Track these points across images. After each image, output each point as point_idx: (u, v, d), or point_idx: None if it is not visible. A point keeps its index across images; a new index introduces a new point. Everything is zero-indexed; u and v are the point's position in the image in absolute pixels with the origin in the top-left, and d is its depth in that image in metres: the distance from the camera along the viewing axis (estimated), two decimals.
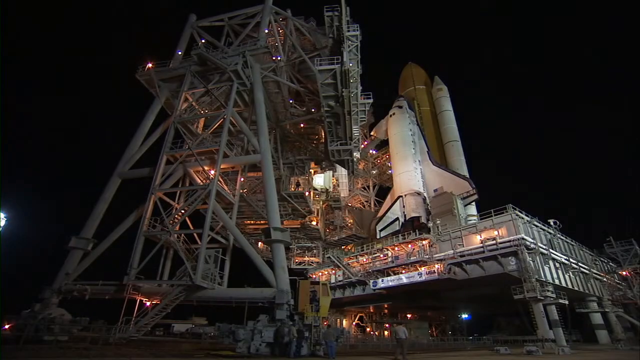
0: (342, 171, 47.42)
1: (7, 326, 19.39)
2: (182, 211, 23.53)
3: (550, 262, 26.24)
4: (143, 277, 21.62)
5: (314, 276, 39.27)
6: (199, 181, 24.90)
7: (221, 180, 24.89)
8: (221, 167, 23.68)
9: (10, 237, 26.97)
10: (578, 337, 36.04)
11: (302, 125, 36.62)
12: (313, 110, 33.70)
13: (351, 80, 25.75)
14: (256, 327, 16.85)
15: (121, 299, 21.35)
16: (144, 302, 22.64)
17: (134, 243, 21.97)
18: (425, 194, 37.38)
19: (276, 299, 18.18)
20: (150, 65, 29.43)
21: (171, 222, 22.59)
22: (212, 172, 23.65)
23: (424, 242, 30.72)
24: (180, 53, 31.43)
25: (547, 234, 28.31)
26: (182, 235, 23.93)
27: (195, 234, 24.28)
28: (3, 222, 20.53)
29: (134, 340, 19.24)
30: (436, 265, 28.46)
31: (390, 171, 46.12)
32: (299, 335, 16.03)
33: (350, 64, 25.42)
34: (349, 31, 26.03)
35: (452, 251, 28.28)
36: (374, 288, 32.45)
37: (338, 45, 27.32)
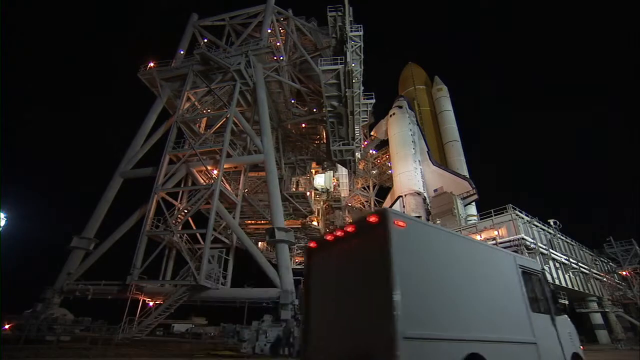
0: (342, 171, 47.47)
1: (7, 326, 19.32)
2: (185, 211, 23.50)
3: (550, 262, 26.33)
4: (146, 277, 21.60)
5: None
6: (202, 181, 24.89)
7: (224, 180, 24.89)
8: (224, 167, 23.67)
9: (10, 237, 26.81)
10: None
11: (303, 125, 36.64)
12: (315, 110, 33.74)
13: (354, 81, 25.80)
14: (261, 328, 16.91)
15: (124, 299, 21.36)
16: (147, 302, 22.61)
17: (137, 243, 21.94)
18: (425, 194, 37.44)
19: (281, 299, 18.23)
20: (152, 64, 29.40)
21: (174, 222, 22.56)
22: (215, 172, 23.65)
23: None
24: (182, 52, 31.40)
25: (547, 234, 28.38)
26: (185, 235, 23.94)
27: (197, 234, 24.34)
28: (3, 222, 20.46)
29: (137, 341, 19.26)
30: None
31: (390, 171, 46.13)
32: None
33: (353, 64, 25.45)
34: (352, 31, 26.06)
35: None
36: None
37: (341, 46, 27.31)
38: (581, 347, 7.36)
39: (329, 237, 5.87)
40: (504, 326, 5.71)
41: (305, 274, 6.39)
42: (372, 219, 4.98)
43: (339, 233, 5.64)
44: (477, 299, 5.52)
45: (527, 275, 6.86)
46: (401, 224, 4.81)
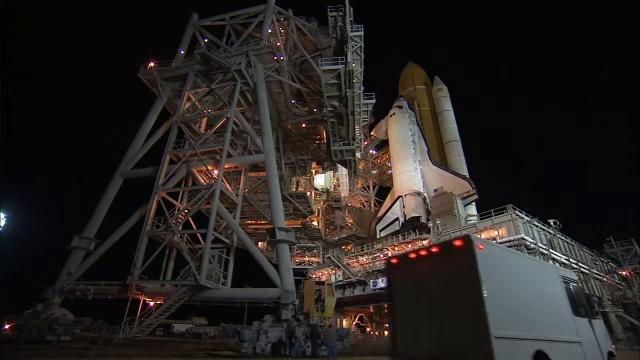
0: (342, 171, 47.49)
1: (7, 326, 19.32)
2: (186, 211, 23.49)
3: (550, 262, 26.29)
4: (147, 277, 21.58)
5: (314, 276, 39.26)
6: (202, 181, 24.88)
7: (224, 180, 24.87)
8: (224, 166, 23.67)
9: (10, 237, 26.76)
10: None
11: (303, 125, 36.66)
12: (315, 110, 33.76)
13: (354, 81, 25.83)
14: (262, 328, 16.89)
15: (124, 299, 21.35)
16: (147, 302, 22.59)
17: (137, 243, 21.92)
18: (425, 194, 37.47)
19: (281, 299, 18.20)
20: (152, 64, 29.40)
21: (174, 222, 22.55)
22: (216, 172, 23.65)
23: (424, 242, 30.71)
24: (182, 52, 31.39)
25: (547, 233, 28.40)
26: (185, 235, 23.93)
27: (198, 234, 24.31)
28: (3, 222, 20.40)
29: (137, 341, 19.25)
30: None
31: (390, 171, 46.16)
32: (314, 335, 16.03)
33: (354, 64, 25.46)
34: (352, 31, 26.07)
35: None
36: (374, 288, 32.43)
37: (341, 46, 27.35)
38: (612, 345, 8.49)
39: (412, 255, 7.12)
40: (557, 328, 6.87)
41: (388, 285, 7.67)
42: (458, 243, 6.16)
43: (422, 252, 6.89)
44: (537, 306, 6.75)
45: (567, 284, 8.00)
46: (481, 247, 6.01)
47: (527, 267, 7.36)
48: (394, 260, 7.55)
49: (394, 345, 6.85)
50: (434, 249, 6.67)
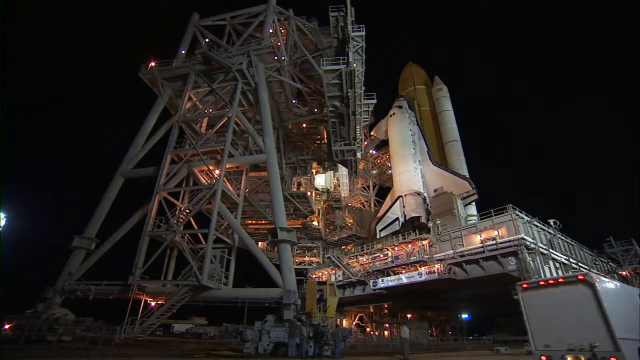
0: (342, 171, 47.51)
1: (7, 326, 19.26)
2: (187, 211, 23.46)
3: (550, 262, 26.31)
4: (148, 277, 21.54)
5: (314, 276, 39.29)
6: (204, 181, 24.85)
7: (225, 180, 24.85)
8: (226, 166, 23.65)
9: (10, 237, 26.68)
10: None
11: (304, 125, 36.64)
12: (316, 110, 33.74)
13: (356, 81, 25.83)
14: (264, 328, 16.89)
15: (126, 299, 21.31)
16: (148, 302, 22.56)
17: (139, 243, 21.87)
18: (425, 194, 37.49)
19: (283, 299, 18.21)
20: (153, 64, 29.35)
21: (176, 222, 22.52)
22: (217, 171, 23.63)
23: (424, 242, 30.77)
24: (183, 52, 31.33)
25: (547, 234, 28.40)
26: (187, 235, 23.90)
27: (199, 234, 24.29)
28: (3, 222, 20.33)
29: (138, 341, 19.23)
30: (436, 265, 28.50)
31: (390, 171, 46.21)
32: (317, 335, 16.03)
33: (355, 64, 25.45)
34: (354, 31, 26.05)
35: (452, 251, 28.29)
36: (374, 288, 32.49)
37: (342, 46, 27.36)
38: None
39: (541, 282, 9.89)
40: None
41: (522, 302, 10.08)
42: (580, 277, 8.97)
43: (550, 281, 9.65)
44: (632, 316, 9.37)
45: None
46: (597, 280, 8.79)
47: (620, 290, 10.22)
48: (525, 285, 10.22)
49: (533, 345, 9.48)
50: (560, 280, 9.51)
